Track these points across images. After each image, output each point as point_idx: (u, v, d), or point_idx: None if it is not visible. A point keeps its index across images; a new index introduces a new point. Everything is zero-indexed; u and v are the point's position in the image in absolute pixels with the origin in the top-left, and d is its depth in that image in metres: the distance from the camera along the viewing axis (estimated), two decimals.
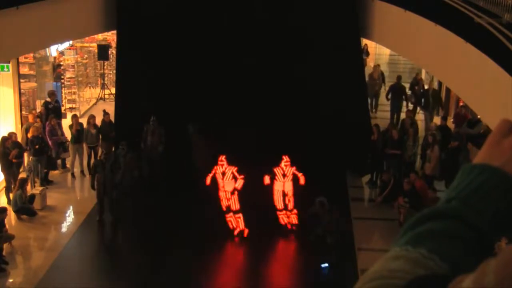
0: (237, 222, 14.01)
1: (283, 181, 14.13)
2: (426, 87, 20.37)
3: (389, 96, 20.03)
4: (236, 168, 13.99)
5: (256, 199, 14.15)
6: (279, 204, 14.24)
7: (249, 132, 16.16)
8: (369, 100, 19.78)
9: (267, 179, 14.05)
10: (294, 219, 14.25)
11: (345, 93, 16.61)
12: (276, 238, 14.25)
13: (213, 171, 14.03)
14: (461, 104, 18.38)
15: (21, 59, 17.97)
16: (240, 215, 14.00)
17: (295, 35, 16.62)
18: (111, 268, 13.32)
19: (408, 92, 20.35)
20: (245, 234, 13.97)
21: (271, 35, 16.60)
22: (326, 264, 13.08)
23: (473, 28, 11.63)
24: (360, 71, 17.48)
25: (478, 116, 15.91)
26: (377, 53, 29.07)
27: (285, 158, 14.12)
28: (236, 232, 14.00)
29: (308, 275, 13.15)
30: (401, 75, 20.88)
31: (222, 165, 14.00)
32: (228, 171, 13.99)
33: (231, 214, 14.01)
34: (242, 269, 13.47)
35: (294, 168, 14.13)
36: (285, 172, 14.10)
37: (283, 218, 14.29)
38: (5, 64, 16.01)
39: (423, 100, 19.86)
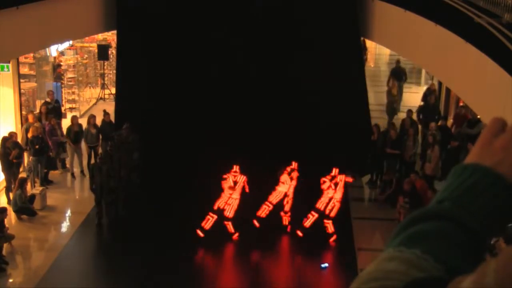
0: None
1: (289, 184, 14.16)
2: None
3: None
4: (246, 178, 13.85)
5: (255, 200, 14.13)
6: (286, 205, 14.26)
7: (249, 132, 16.16)
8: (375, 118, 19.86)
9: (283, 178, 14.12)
10: (286, 220, 14.28)
11: (345, 93, 16.60)
12: (276, 238, 14.24)
13: (225, 181, 13.76)
14: (461, 104, 18.35)
15: (21, 59, 17.97)
16: (230, 222, 13.90)
17: (295, 35, 16.61)
18: (111, 268, 13.30)
19: (421, 103, 20.06)
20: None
21: (271, 36, 16.58)
22: (326, 264, 13.08)
23: (473, 28, 11.62)
24: (360, 71, 17.46)
25: (478, 116, 15.89)
26: (377, 53, 29.04)
27: (293, 164, 14.11)
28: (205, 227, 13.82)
29: (308, 275, 13.15)
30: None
31: (235, 175, 13.82)
32: (240, 180, 13.84)
33: (217, 216, 13.86)
34: (242, 270, 13.46)
35: (297, 174, 14.10)
36: (292, 177, 14.13)
37: (285, 219, 14.31)
38: (5, 64, 16.00)
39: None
